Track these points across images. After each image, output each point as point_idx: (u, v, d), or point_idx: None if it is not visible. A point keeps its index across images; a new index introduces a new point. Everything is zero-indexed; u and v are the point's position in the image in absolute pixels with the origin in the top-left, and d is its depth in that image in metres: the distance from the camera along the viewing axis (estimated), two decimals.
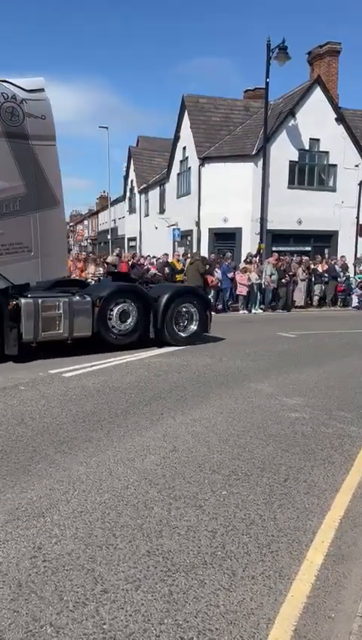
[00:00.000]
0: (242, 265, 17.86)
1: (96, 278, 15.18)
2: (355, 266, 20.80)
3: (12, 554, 3.03)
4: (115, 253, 19.11)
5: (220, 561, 3.04)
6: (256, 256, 18.79)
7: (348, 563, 3.09)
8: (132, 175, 35.02)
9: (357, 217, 22.90)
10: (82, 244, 68.41)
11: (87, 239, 65.54)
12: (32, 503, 3.66)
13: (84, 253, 39.89)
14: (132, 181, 35.14)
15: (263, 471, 4.34)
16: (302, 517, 3.60)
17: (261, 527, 3.44)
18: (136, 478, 4.12)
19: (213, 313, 16.20)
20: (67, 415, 5.68)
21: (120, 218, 41.15)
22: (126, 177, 36.88)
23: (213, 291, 16.69)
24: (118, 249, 21.38)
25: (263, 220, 20.15)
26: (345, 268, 19.85)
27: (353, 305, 19.28)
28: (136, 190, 33.99)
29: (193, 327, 10.26)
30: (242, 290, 17.10)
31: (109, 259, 17.33)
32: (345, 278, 19.48)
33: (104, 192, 52.64)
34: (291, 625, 2.55)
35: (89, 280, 15.33)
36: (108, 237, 40.09)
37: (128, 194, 36.67)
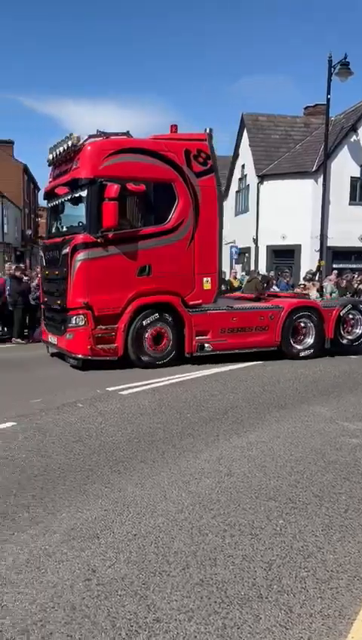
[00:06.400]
0: (301, 283, 17.55)
1: None
2: None
3: (66, 576, 3.05)
4: None
5: (276, 595, 2.93)
6: (316, 273, 18.43)
7: None
8: None
9: None
10: None
11: None
12: (87, 523, 3.68)
13: None
14: None
15: (322, 500, 4.18)
16: None
17: (319, 560, 3.30)
18: (190, 501, 4.07)
19: None
20: (123, 434, 5.72)
21: None
22: None
23: None
24: None
25: (323, 236, 19.76)
26: None
27: None
28: None
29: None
30: None
31: None
32: None
33: None
34: None
35: None
36: None
37: None
